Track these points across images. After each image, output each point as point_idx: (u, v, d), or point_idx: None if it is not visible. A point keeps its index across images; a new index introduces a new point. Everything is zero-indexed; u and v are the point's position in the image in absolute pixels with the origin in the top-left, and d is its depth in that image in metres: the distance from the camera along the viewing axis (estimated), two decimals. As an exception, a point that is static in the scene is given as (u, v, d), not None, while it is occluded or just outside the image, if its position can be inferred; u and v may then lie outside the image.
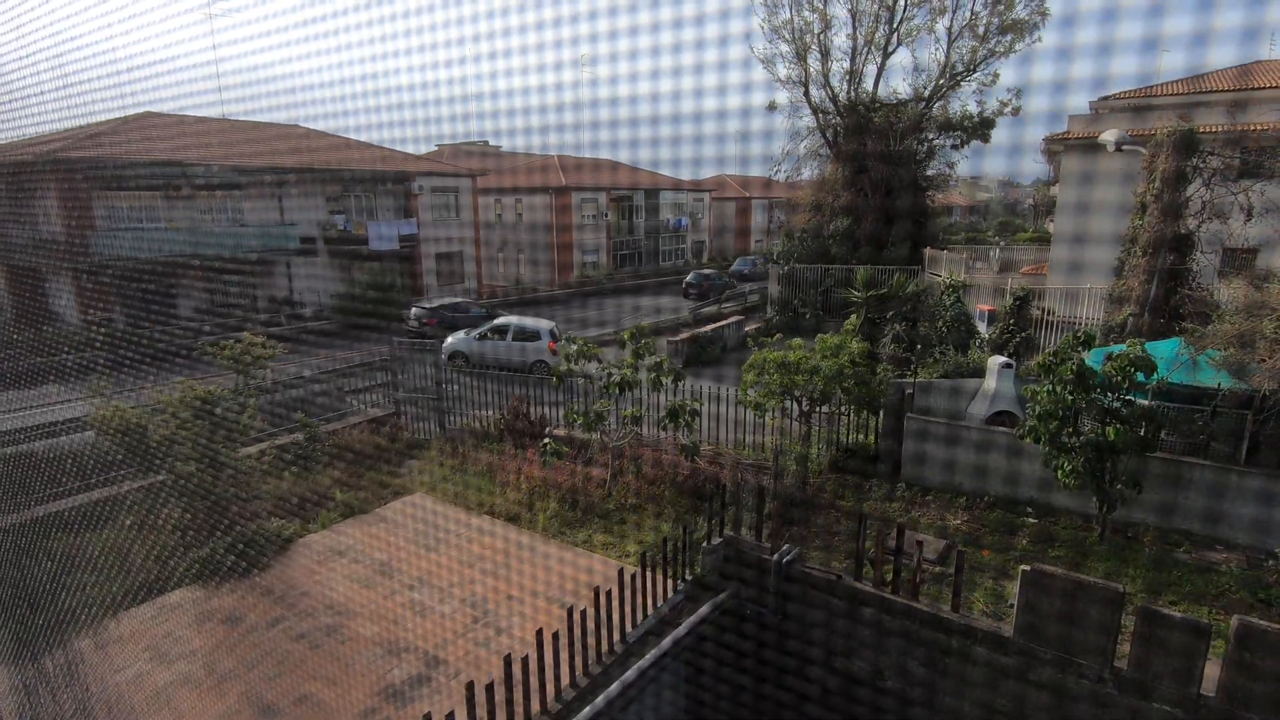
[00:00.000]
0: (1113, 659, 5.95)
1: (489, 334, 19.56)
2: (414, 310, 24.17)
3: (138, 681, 6.88)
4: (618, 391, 10.98)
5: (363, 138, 30.04)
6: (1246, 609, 7.61)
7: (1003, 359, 11.97)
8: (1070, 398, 8.54)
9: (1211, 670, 5.61)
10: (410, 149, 32.20)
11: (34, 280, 21.28)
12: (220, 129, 27.09)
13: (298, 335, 22.23)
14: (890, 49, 29.53)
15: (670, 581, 7.64)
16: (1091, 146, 18.02)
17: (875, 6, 28.78)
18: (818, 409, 11.62)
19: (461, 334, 20.04)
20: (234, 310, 25.29)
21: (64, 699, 6.70)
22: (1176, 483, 9.32)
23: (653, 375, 11.06)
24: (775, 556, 7.45)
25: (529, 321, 20.15)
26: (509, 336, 19.27)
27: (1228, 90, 19.38)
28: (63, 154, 20.09)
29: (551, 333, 19.29)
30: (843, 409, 11.99)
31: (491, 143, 48.53)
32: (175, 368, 13.78)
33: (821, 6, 28.96)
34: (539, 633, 5.99)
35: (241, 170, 25.70)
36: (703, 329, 22.14)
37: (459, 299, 27.12)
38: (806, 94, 30.54)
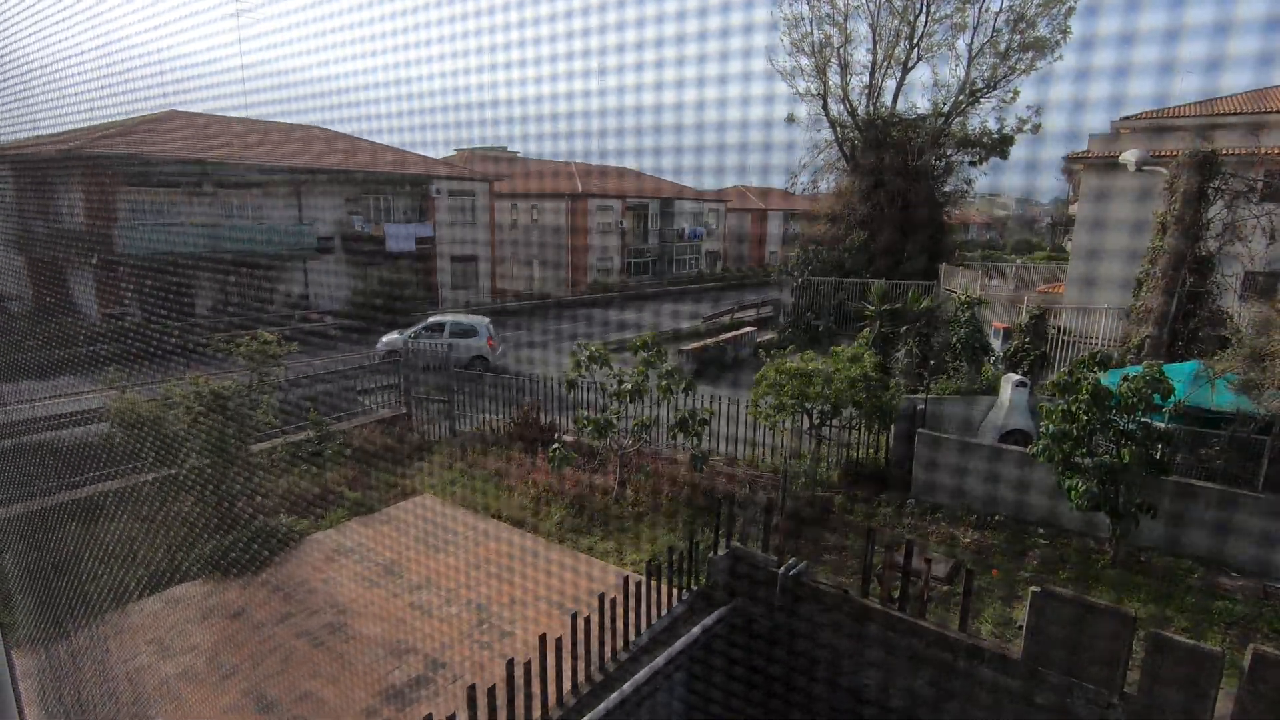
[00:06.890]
0: (1123, 685, 5.85)
1: (424, 331, 19.91)
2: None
3: (142, 673, 6.91)
4: (627, 399, 10.97)
5: (383, 140, 30.37)
6: (1262, 638, 7.47)
7: (1016, 377, 11.86)
8: (1085, 418, 8.44)
9: (1225, 699, 5.50)
10: (430, 152, 32.51)
11: (55, 272, 21.58)
12: (243, 128, 27.43)
13: (311, 333, 22.41)
14: (910, 64, 29.56)
15: (675, 591, 7.60)
16: (1111, 166, 17.89)
17: (896, 22, 28.82)
18: (828, 422, 11.56)
19: (395, 333, 20.39)
20: (250, 307, 25.51)
21: (73, 685, 6.74)
22: (1192, 507, 9.17)
23: (663, 384, 11.05)
24: (781, 569, 7.40)
25: (465, 318, 20.74)
26: (445, 333, 19.63)
27: (1248, 113, 19.21)
28: (88, 149, 20.41)
29: (488, 329, 19.89)
30: (853, 423, 11.92)
31: (509, 148, 48.80)
32: (190, 363, 13.90)
33: (842, 21, 29.03)
34: (542, 638, 5.96)
35: (262, 169, 26.00)
36: (711, 340, 22.19)
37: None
38: (825, 108, 30.59)
